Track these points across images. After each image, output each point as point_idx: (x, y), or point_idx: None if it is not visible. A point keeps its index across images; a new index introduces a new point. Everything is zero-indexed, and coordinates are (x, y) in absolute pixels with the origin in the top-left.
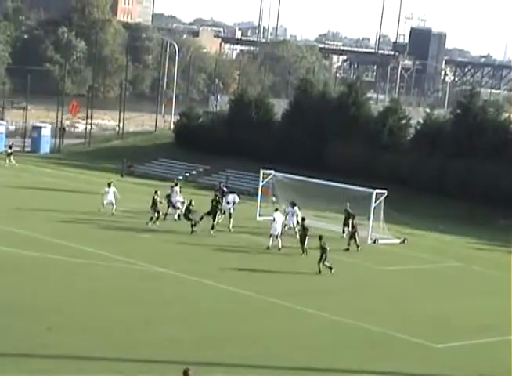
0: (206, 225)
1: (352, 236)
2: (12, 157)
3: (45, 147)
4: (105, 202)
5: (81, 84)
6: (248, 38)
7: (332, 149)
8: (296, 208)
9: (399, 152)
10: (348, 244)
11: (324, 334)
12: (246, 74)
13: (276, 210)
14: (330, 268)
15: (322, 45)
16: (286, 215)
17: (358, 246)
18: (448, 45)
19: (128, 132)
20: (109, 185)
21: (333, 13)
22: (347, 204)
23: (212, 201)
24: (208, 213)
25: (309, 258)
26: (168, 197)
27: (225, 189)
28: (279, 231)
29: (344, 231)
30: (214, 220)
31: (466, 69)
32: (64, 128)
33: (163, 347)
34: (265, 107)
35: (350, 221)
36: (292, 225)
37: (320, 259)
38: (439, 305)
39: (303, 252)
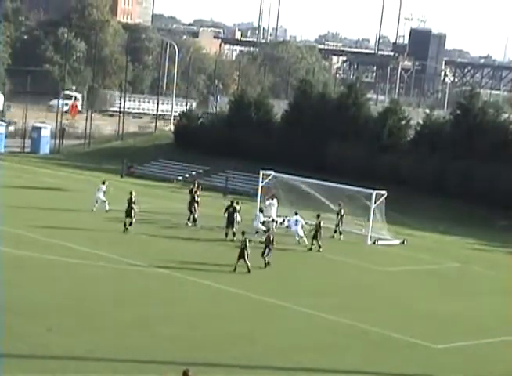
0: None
1: (315, 236)
2: None
3: (45, 148)
4: (97, 199)
5: (81, 85)
6: (248, 39)
7: (332, 149)
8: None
9: (399, 153)
10: (312, 244)
11: (323, 335)
12: (246, 74)
13: (296, 213)
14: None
15: (321, 46)
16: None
17: (319, 246)
18: (448, 46)
19: (127, 133)
20: (103, 182)
21: (333, 14)
22: (340, 202)
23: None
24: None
25: (310, 260)
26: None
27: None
28: (300, 233)
29: (335, 231)
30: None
31: (466, 70)
32: (64, 129)
33: (162, 347)
34: (264, 108)
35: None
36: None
37: (244, 255)
38: (439, 305)
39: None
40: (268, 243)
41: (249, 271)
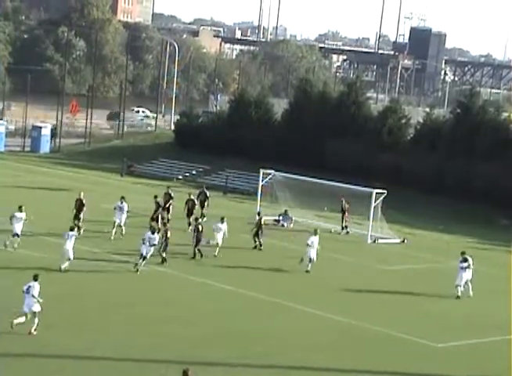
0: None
1: (256, 234)
2: None
3: (45, 147)
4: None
5: (81, 84)
6: (248, 38)
7: (331, 148)
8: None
9: (399, 151)
10: (254, 242)
11: (324, 334)
12: (246, 73)
13: (316, 233)
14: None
15: (322, 45)
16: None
17: (260, 244)
18: (448, 45)
19: (127, 132)
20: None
21: (333, 13)
22: (343, 199)
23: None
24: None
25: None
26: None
27: (207, 192)
28: (313, 257)
29: (343, 227)
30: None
31: (466, 68)
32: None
33: (163, 347)
34: (264, 107)
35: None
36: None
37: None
38: (439, 304)
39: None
40: (197, 233)
41: (166, 262)
